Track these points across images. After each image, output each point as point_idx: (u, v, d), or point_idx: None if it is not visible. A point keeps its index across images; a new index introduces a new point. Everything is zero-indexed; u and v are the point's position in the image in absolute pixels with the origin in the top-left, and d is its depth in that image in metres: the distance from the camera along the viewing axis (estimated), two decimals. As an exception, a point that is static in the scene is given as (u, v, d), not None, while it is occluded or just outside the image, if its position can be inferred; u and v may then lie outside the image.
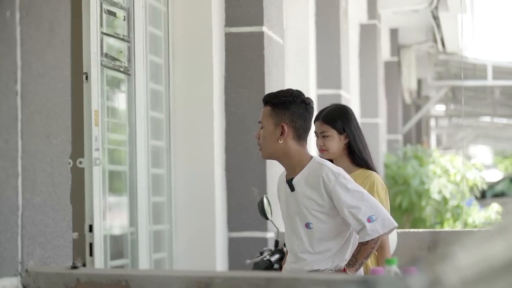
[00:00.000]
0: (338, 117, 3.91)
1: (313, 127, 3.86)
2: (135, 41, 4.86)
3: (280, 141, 3.47)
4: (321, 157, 4.02)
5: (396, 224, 3.48)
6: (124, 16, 4.79)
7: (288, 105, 3.48)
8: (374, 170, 3.95)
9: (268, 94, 3.58)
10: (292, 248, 3.57)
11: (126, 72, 4.79)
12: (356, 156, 3.92)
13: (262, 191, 5.21)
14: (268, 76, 5.41)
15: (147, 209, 4.94)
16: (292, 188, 3.52)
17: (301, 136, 3.51)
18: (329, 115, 3.94)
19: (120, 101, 4.86)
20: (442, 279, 1.50)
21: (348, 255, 3.52)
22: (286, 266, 3.67)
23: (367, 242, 3.43)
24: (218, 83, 5.33)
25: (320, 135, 3.93)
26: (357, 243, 3.50)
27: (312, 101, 3.56)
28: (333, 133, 3.89)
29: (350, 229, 3.50)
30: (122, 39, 4.76)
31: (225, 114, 5.39)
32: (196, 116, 5.28)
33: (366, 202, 3.42)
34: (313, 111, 3.56)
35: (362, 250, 3.45)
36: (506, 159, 33.30)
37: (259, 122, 3.54)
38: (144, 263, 4.87)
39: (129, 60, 4.81)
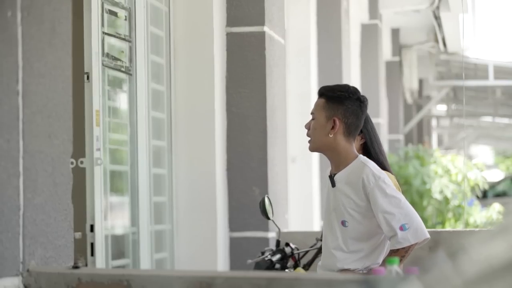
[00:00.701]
0: None
1: None
2: (136, 41, 4.86)
3: (330, 135, 3.46)
4: None
5: (428, 236, 3.44)
6: (126, 16, 4.79)
7: (343, 100, 3.46)
8: (389, 171, 3.96)
9: (324, 87, 3.56)
10: (326, 243, 3.56)
11: (127, 72, 4.79)
12: (372, 157, 3.92)
13: (264, 191, 5.20)
14: (269, 76, 5.41)
15: (148, 209, 4.94)
16: (333, 184, 3.52)
17: (351, 133, 3.49)
18: None
19: (122, 101, 4.86)
20: (444, 279, 1.50)
21: (381, 259, 3.49)
22: (320, 262, 3.68)
23: (397, 250, 3.40)
24: (219, 83, 5.33)
25: None
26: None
27: (367, 99, 3.54)
28: None
29: None
30: (124, 39, 4.76)
31: (226, 114, 5.39)
32: (197, 116, 5.28)
33: (401, 209, 3.39)
34: (366, 110, 3.55)
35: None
36: (507, 159, 33.28)
37: (311, 113, 3.53)
38: (146, 263, 4.87)
39: (130, 60, 4.81)
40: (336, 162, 3.51)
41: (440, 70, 15.69)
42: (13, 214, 2.82)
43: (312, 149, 3.55)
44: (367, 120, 3.94)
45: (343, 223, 3.48)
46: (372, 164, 3.48)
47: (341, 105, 3.45)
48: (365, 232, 3.47)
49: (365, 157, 3.55)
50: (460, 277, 1.48)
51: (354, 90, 3.51)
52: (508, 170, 30.98)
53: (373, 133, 3.96)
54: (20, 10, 2.88)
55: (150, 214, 4.96)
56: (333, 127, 3.45)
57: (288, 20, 7.45)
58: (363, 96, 3.53)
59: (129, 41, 4.80)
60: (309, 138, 3.54)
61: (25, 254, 2.85)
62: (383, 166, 3.93)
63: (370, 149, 3.94)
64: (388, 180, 3.45)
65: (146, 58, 4.97)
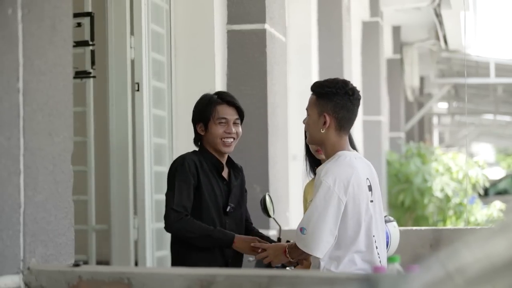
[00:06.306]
0: None
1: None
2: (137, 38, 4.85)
3: (323, 130, 3.49)
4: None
5: (316, 255, 3.39)
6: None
7: (331, 96, 3.49)
8: None
9: (315, 83, 3.61)
10: None
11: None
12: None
13: (265, 189, 5.20)
14: (270, 74, 5.40)
15: (150, 207, 4.94)
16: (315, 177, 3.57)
17: (343, 127, 3.51)
18: None
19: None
20: (445, 278, 1.50)
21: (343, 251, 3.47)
22: None
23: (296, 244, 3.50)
24: (220, 80, 5.32)
25: None
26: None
27: (357, 90, 3.54)
28: None
29: (337, 228, 3.42)
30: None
31: (227, 112, 5.37)
32: (198, 113, 5.26)
33: (309, 212, 3.41)
34: (357, 102, 3.54)
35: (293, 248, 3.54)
36: (508, 157, 33.24)
37: (306, 110, 3.59)
38: (147, 261, 4.87)
39: (131, 58, 4.81)
40: (326, 156, 3.55)
41: (441, 67, 15.68)
42: (14, 211, 2.82)
43: (309, 142, 3.67)
44: None
45: None
46: (333, 162, 3.45)
47: (330, 101, 3.48)
48: None
49: (343, 153, 3.49)
50: (462, 275, 1.48)
51: (342, 85, 3.51)
52: (509, 168, 30.94)
53: None
54: (20, 7, 2.87)
55: (151, 211, 4.96)
56: (324, 123, 3.49)
57: (289, 18, 7.44)
58: (351, 88, 3.52)
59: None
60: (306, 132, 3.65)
61: (25, 252, 2.85)
62: None
63: None
64: (327, 180, 3.38)
65: (147, 56, 4.96)
